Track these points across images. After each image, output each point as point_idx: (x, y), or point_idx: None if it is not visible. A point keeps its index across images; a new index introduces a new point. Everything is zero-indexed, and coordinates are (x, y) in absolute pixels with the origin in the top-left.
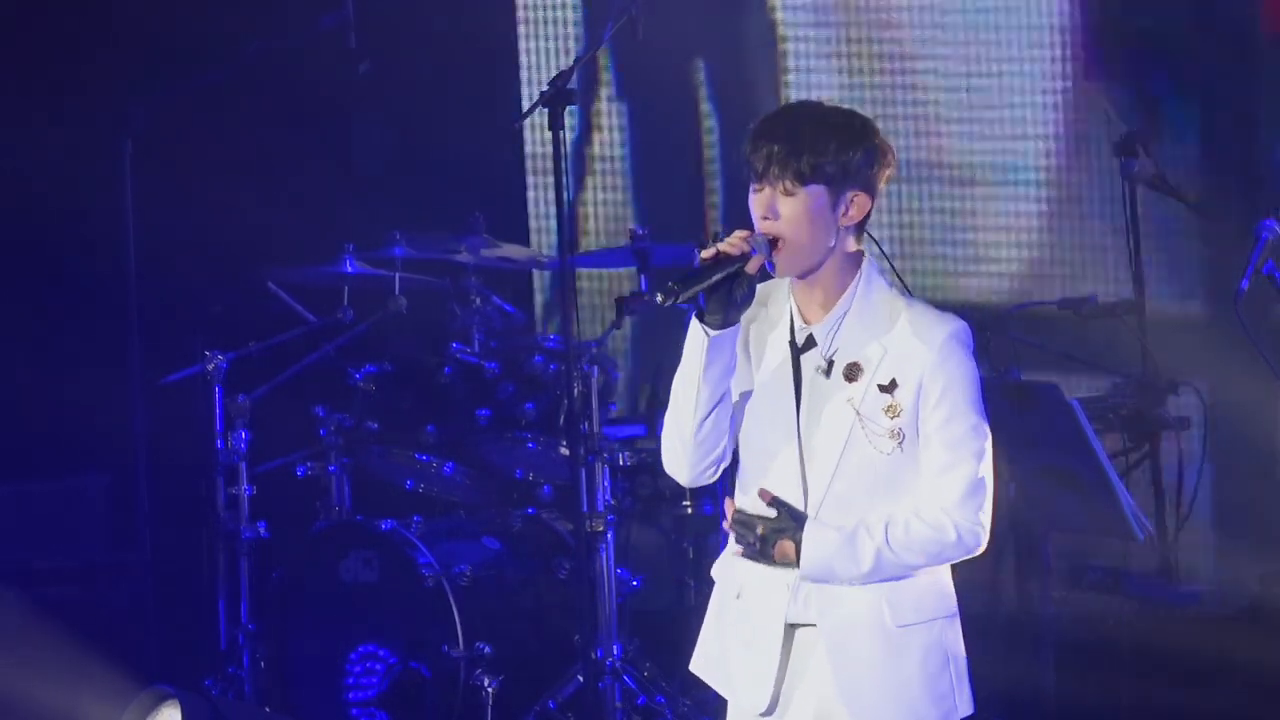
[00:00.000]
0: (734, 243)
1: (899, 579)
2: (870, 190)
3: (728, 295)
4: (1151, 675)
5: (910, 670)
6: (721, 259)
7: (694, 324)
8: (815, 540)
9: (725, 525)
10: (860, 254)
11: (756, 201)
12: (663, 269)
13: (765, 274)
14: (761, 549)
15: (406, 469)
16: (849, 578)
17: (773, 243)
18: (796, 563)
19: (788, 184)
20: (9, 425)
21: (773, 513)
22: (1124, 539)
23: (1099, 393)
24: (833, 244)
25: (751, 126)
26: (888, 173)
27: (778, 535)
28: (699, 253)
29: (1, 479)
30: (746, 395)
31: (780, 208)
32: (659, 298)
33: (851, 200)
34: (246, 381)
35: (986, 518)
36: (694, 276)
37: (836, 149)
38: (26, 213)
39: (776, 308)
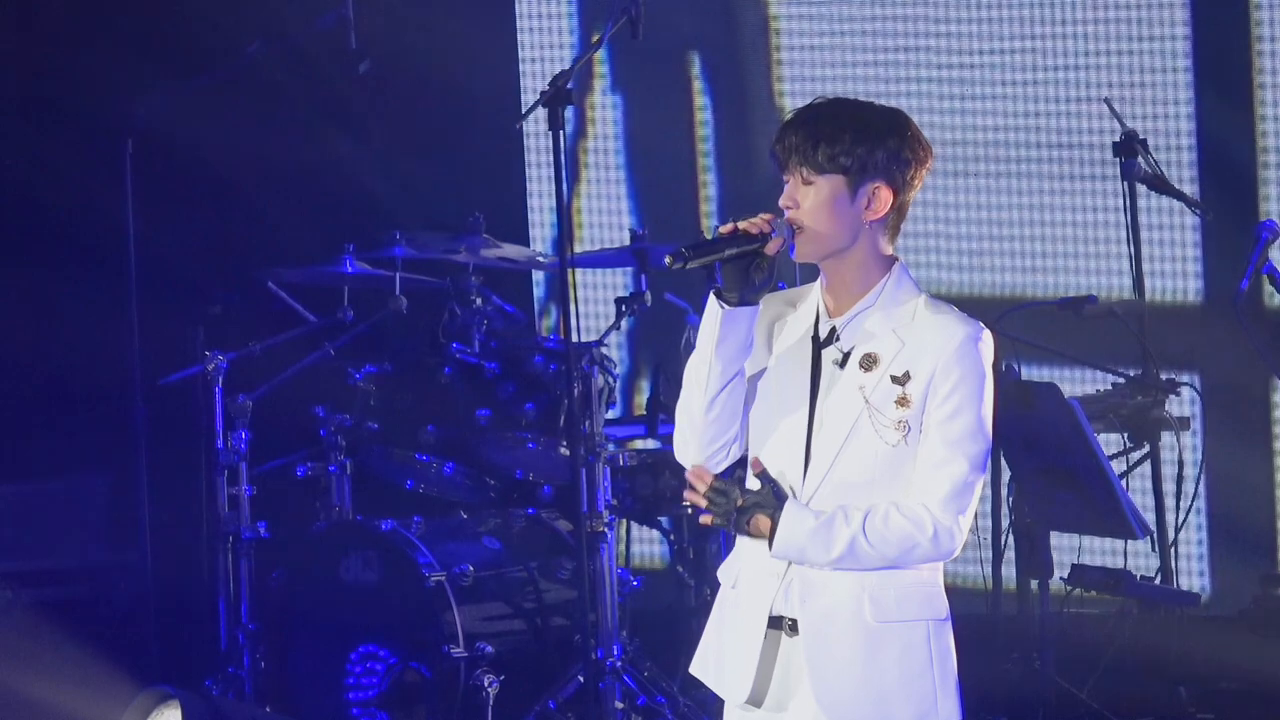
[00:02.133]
0: (754, 222)
1: (884, 572)
2: (895, 185)
3: (744, 273)
4: (1151, 675)
5: (885, 667)
6: (738, 235)
7: (710, 300)
8: (791, 520)
9: (691, 495)
10: (893, 259)
11: (785, 191)
12: (662, 269)
13: (786, 259)
14: (736, 520)
15: (406, 469)
16: (820, 562)
17: (796, 230)
18: (769, 541)
19: (805, 173)
20: (9, 425)
21: (757, 485)
22: (1124, 539)
23: (1099, 393)
24: (855, 235)
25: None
26: (921, 170)
27: (756, 509)
28: (718, 228)
29: (1, 479)
30: (765, 387)
31: (800, 197)
32: (668, 260)
33: (873, 193)
34: (246, 381)
35: (966, 522)
36: (708, 246)
37: (853, 141)
38: (27, 212)
39: (805, 306)
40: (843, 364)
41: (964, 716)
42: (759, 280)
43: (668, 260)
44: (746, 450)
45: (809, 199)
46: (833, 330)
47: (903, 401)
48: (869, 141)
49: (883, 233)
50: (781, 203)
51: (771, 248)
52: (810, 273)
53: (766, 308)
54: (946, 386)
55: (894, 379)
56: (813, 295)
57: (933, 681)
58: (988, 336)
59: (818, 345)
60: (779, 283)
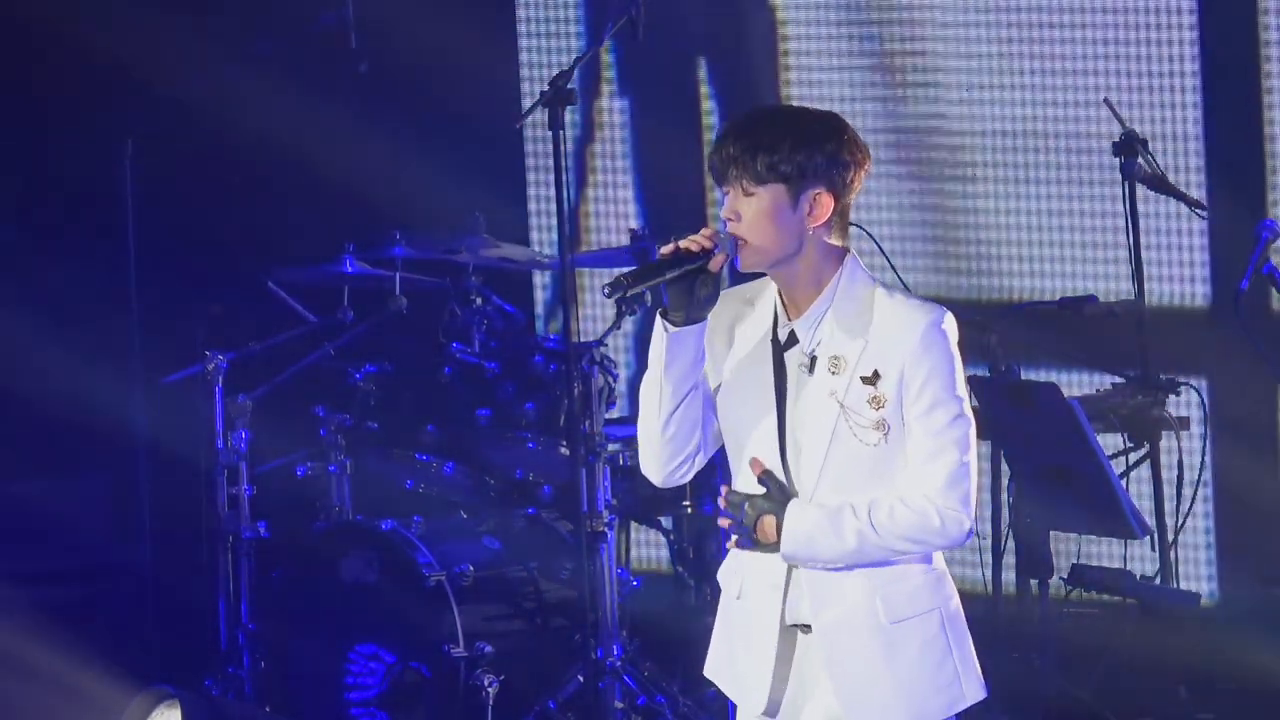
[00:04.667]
0: (696, 240)
1: (890, 565)
2: (835, 190)
3: (689, 292)
4: (1151, 675)
5: (908, 665)
6: (681, 255)
7: (657, 320)
8: (797, 516)
9: (720, 503)
10: (843, 250)
11: (725, 205)
12: None
13: (734, 270)
14: (749, 532)
15: (406, 469)
16: (832, 556)
17: (740, 243)
18: (778, 542)
19: (745, 184)
20: (9, 425)
21: (761, 490)
22: (1124, 539)
23: (1099, 393)
24: (800, 243)
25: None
26: (860, 172)
27: (761, 513)
28: (658, 249)
29: (1, 479)
30: (729, 395)
31: (741, 209)
32: (606, 290)
33: (814, 199)
34: (246, 381)
35: (970, 506)
36: (648, 271)
37: (791, 148)
38: (27, 212)
39: (763, 307)
40: (810, 369)
41: (988, 693)
42: (704, 296)
43: (606, 290)
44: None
45: (750, 210)
46: (791, 334)
47: (877, 401)
48: (807, 147)
49: (827, 235)
50: (723, 215)
51: (715, 264)
52: None
53: (723, 307)
54: (919, 379)
55: (864, 380)
56: (769, 293)
57: (955, 666)
58: (949, 317)
59: (778, 349)
60: None
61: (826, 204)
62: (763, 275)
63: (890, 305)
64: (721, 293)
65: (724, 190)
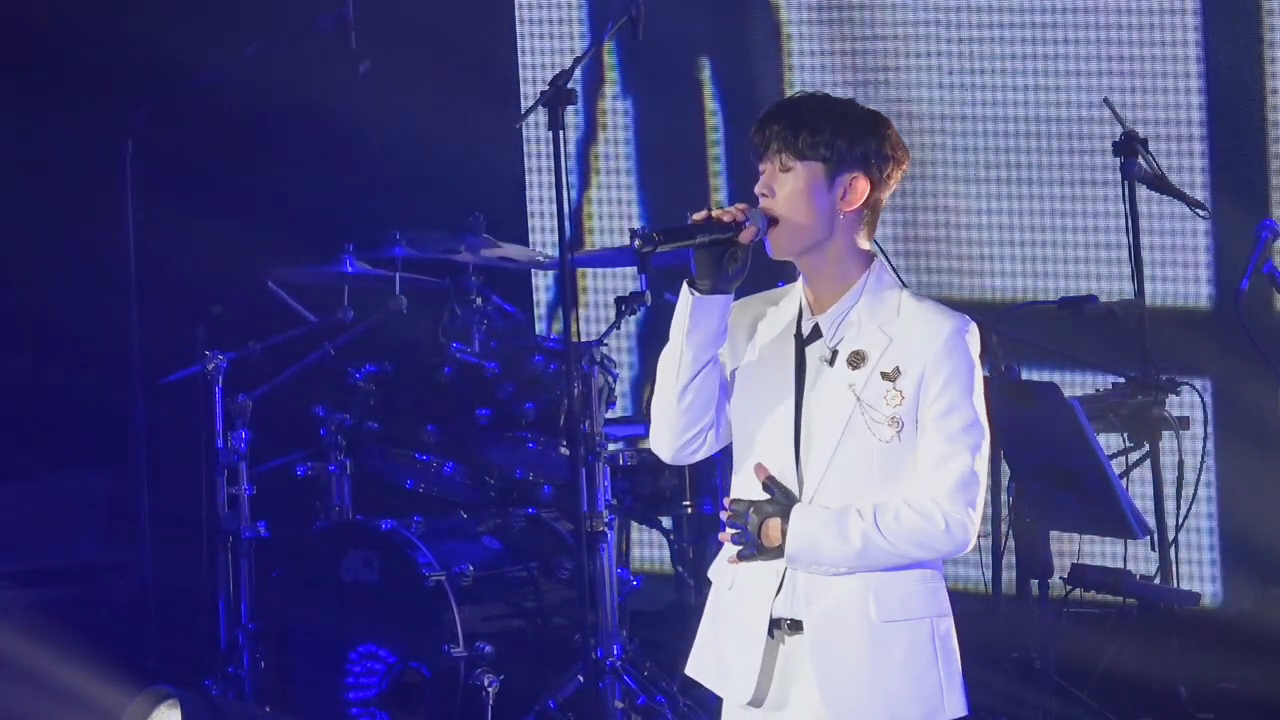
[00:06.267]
0: (728, 210)
1: (887, 571)
2: (872, 179)
3: (717, 262)
4: (1151, 675)
5: (892, 667)
6: (712, 223)
7: (683, 288)
8: (802, 519)
9: (723, 516)
10: (871, 255)
11: (761, 180)
12: (664, 268)
13: (761, 250)
14: (753, 540)
15: (406, 469)
16: (836, 559)
17: (771, 221)
18: (781, 546)
19: (784, 160)
20: (9, 425)
21: (765, 495)
22: (1124, 539)
23: (1099, 393)
24: (830, 227)
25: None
26: (898, 170)
27: (766, 518)
28: (690, 215)
29: (1, 479)
30: (747, 384)
31: (777, 185)
32: (637, 244)
33: (850, 183)
34: (246, 381)
35: (977, 514)
36: (679, 232)
37: (834, 131)
38: (27, 212)
39: (788, 305)
40: (831, 361)
41: (970, 711)
42: (732, 270)
43: (637, 244)
44: (731, 449)
45: (786, 187)
46: (816, 327)
47: (893, 397)
48: (849, 134)
49: (858, 227)
50: (757, 190)
51: (745, 237)
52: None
53: (747, 308)
54: (939, 382)
55: (884, 375)
56: (795, 293)
57: (939, 678)
58: (973, 328)
59: (801, 342)
60: (778, 281)
61: (862, 189)
62: (785, 284)
63: (918, 308)
64: (745, 297)
65: (760, 168)
